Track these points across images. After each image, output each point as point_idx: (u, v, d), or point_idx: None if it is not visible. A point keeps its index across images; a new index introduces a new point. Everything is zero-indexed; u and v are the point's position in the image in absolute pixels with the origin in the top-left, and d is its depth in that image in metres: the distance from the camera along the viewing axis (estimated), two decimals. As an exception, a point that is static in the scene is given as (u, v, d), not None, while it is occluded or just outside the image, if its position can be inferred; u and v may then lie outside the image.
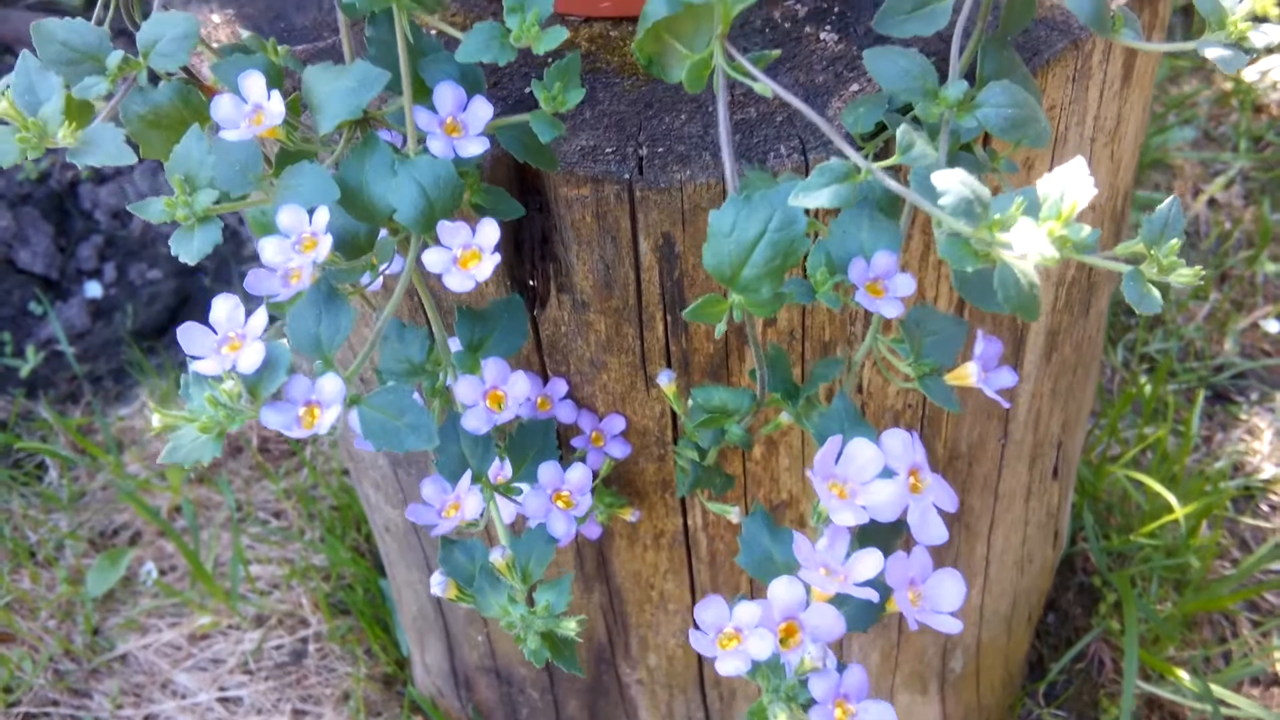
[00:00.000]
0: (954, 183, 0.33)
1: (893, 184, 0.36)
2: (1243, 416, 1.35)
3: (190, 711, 1.14)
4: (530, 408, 0.58)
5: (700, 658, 0.78)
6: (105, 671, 1.18)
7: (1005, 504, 0.76)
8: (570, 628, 0.45)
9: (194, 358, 0.37)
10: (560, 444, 0.58)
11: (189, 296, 1.55)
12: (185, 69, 0.50)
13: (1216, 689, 0.97)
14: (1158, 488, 1.09)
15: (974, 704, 0.93)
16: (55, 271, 1.54)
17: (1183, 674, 1.01)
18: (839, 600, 0.41)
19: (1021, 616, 0.92)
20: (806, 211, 0.41)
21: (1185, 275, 0.41)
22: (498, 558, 0.46)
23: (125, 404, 1.40)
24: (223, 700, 1.15)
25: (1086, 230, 0.32)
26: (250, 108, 0.41)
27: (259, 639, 1.17)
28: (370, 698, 1.11)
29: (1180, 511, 1.08)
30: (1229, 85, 1.69)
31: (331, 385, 0.37)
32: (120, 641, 1.20)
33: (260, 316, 0.38)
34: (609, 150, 0.53)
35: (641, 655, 0.78)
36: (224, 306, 0.38)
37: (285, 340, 0.38)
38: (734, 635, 0.40)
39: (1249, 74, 1.69)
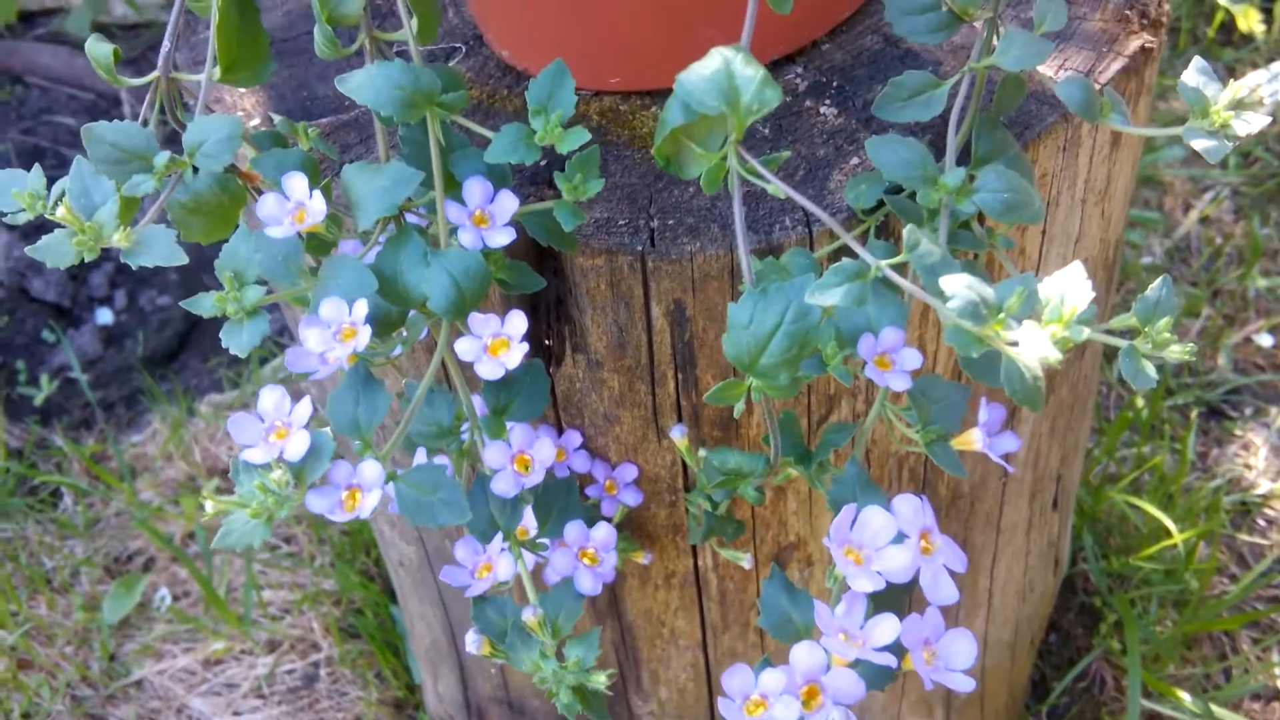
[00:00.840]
0: (960, 286, 0.35)
1: (903, 282, 0.38)
2: (1238, 432, 1.37)
3: (208, 738, 1.16)
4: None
5: (710, 690, 0.80)
6: (121, 697, 1.21)
7: (1007, 537, 0.79)
8: (600, 681, 0.47)
9: (244, 446, 0.39)
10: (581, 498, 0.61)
11: (198, 322, 1.57)
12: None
13: (1218, 710, 0.99)
14: (1156, 513, 1.11)
15: (976, 727, 0.96)
16: (67, 299, 1.56)
17: (1183, 695, 1.03)
18: (857, 662, 0.43)
19: (1024, 642, 0.95)
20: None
21: (1176, 352, 0.43)
22: (529, 617, 0.49)
23: (137, 430, 1.43)
24: (239, 726, 1.17)
25: (1086, 333, 0.35)
26: (293, 205, 0.43)
27: (272, 664, 1.19)
28: (384, 722, 1.14)
29: (1179, 537, 1.10)
30: (1220, 102, 1.72)
31: (371, 471, 0.40)
32: (136, 667, 1.22)
33: (305, 406, 0.40)
34: (622, 222, 0.55)
35: (653, 689, 0.81)
36: (271, 397, 0.40)
37: (328, 429, 0.41)
38: (760, 702, 0.42)
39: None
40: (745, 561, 0.61)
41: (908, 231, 0.38)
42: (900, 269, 0.40)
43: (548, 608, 0.50)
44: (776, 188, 0.41)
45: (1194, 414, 1.28)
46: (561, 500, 0.53)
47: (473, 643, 0.50)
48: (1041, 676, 1.14)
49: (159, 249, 0.40)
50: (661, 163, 0.43)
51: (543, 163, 0.57)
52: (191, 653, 1.23)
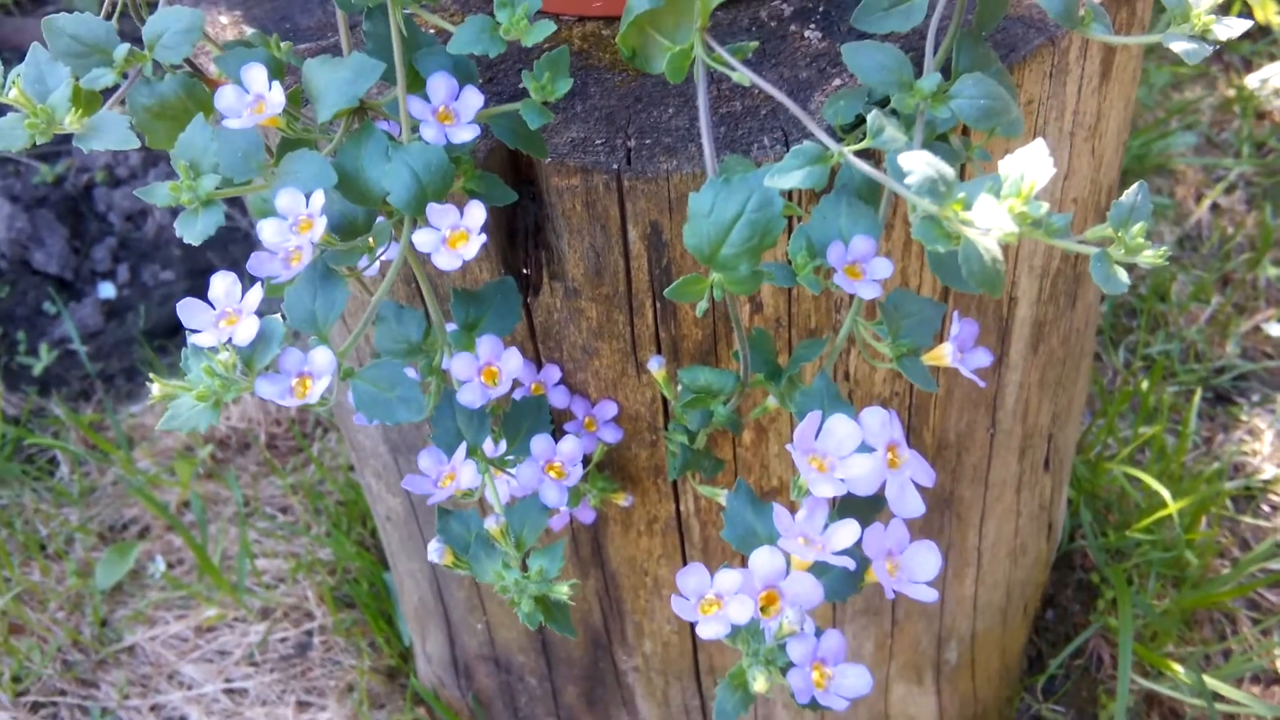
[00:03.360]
0: (919, 164, 0.35)
1: (862, 165, 0.37)
2: (1243, 418, 1.36)
3: (196, 702, 1.16)
4: (524, 393, 0.60)
5: (695, 645, 0.79)
6: (113, 662, 1.20)
7: (996, 493, 0.78)
8: (563, 592, 0.47)
9: (193, 330, 0.39)
10: (555, 431, 0.60)
11: (202, 298, 1.57)
12: (190, 63, 0.51)
13: (1214, 682, 0.98)
14: (1152, 483, 1.10)
15: (970, 695, 0.94)
16: (70, 272, 1.56)
17: (1178, 668, 1.02)
18: (818, 570, 0.42)
19: (1016, 609, 0.93)
20: (788, 197, 0.42)
21: (1149, 256, 0.42)
22: (492, 525, 0.48)
23: (136, 401, 1.42)
24: (229, 691, 1.16)
25: (1045, 207, 0.34)
26: (252, 98, 0.42)
27: (264, 631, 1.19)
28: (374, 690, 1.13)
29: (1174, 506, 1.09)
30: (1231, 92, 1.70)
31: (322, 357, 0.39)
32: (128, 633, 1.22)
33: (256, 293, 0.39)
34: (599, 142, 0.54)
35: (637, 642, 0.80)
36: (222, 283, 0.40)
37: (281, 316, 0.40)
38: (715, 601, 0.41)
39: (1251, 81, 1.70)
40: (723, 498, 0.60)
41: (871, 117, 0.38)
42: (869, 161, 0.39)
43: (512, 519, 0.49)
44: (742, 75, 0.40)
45: (1197, 392, 1.27)
46: (532, 418, 0.53)
47: (435, 551, 0.49)
48: (1038, 653, 1.12)
49: (111, 133, 0.39)
50: (627, 54, 0.42)
51: (521, 86, 0.56)
52: (184, 620, 1.23)
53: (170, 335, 1.51)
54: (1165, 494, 1.09)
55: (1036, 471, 0.81)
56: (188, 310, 0.39)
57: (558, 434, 0.58)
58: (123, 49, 0.42)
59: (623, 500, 0.67)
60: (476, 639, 0.89)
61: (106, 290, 1.56)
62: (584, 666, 0.85)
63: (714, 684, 0.83)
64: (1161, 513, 1.11)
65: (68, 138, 1.43)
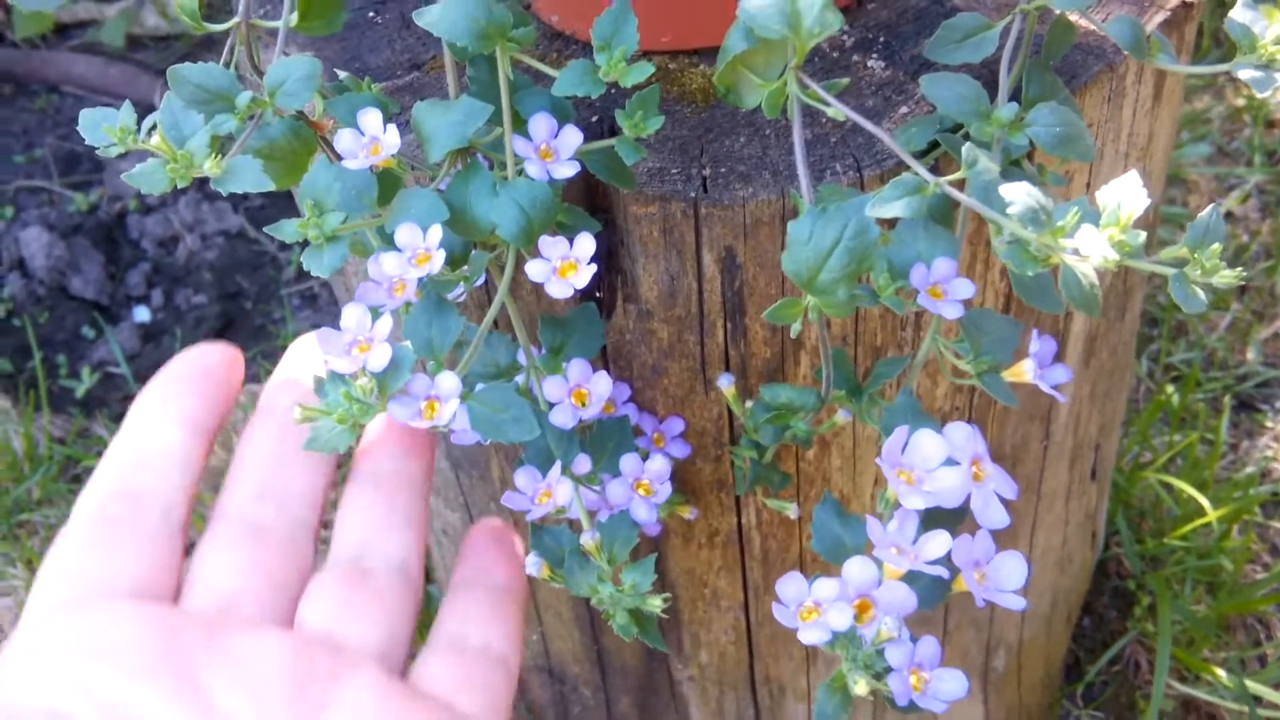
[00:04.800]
0: (1021, 194, 0.37)
1: (959, 195, 0.39)
2: (1268, 424, 1.38)
3: None
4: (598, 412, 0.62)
5: (751, 655, 0.81)
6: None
7: (1047, 504, 0.79)
8: (655, 605, 0.49)
9: (329, 358, 0.41)
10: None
11: (232, 320, 1.60)
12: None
13: (1253, 685, 1.00)
14: (1189, 490, 1.12)
15: (1015, 703, 0.96)
16: (106, 298, 1.59)
17: (1220, 671, 1.04)
18: (909, 578, 0.44)
19: (1061, 616, 0.95)
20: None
21: (1227, 276, 0.44)
22: (588, 540, 0.50)
23: (175, 424, 1.44)
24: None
25: (1143, 236, 0.36)
26: (368, 140, 0.45)
27: (312, 649, 1.21)
28: (422, 705, 1.15)
29: (1213, 515, 1.10)
30: (1241, 101, 1.73)
31: (448, 382, 0.41)
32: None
33: (386, 322, 0.42)
34: (675, 171, 0.57)
35: (693, 652, 0.82)
36: (353, 313, 0.42)
37: (408, 343, 0.42)
38: (813, 609, 0.43)
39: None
40: (791, 510, 0.62)
41: (966, 149, 0.40)
42: (957, 189, 0.41)
43: (605, 535, 0.51)
44: (837, 110, 0.42)
45: (1227, 400, 1.29)
46: (617, 437, 0.55)
47: (532, 565, 0.51)
48: (1076, 660, 1.14)
49: (248, 176, 0.42)
50: (721, 91, 0.44)
51: (593, 120, 0.59)
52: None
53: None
54: (1205, 502, 1.11)
55: (1084, 481, 0.83)
56: (325, 339, 0.42)
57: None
58: (245, 96, 0.45)
59: (688, 513, 0.69)
60: (530, 650, 0.91)
61: (142, 314, 1.58)
62: (639, 677, 0.86)
63: (768, 694, 0.84)
64: (1199, 521, 1.12)
65: (99, 167, 1.45)
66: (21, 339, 1.53)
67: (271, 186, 0.42)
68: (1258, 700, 1.01)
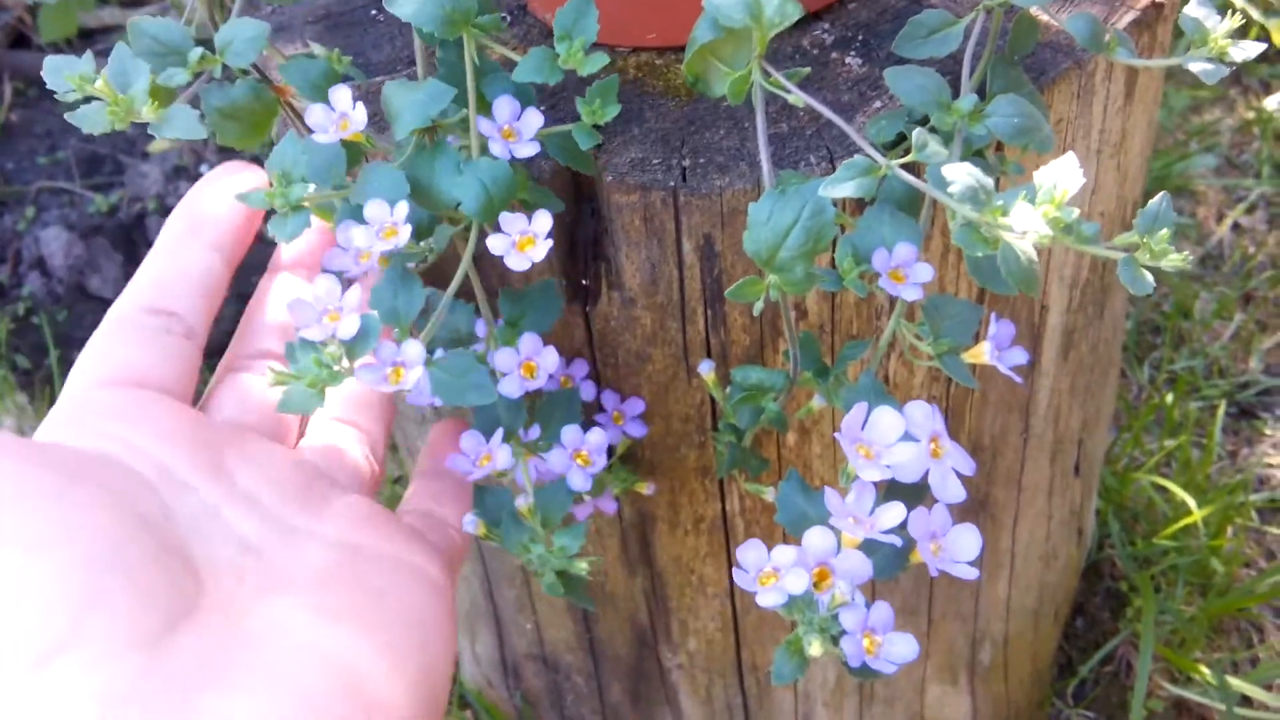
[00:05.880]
0: (961, 174, 0.39)
1: (908, 176, 0.41)
2: (1268, 432, 1.38)
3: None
4: (554, 384, 0.64)
5: (738, 643, 0.83)
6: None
7: (1029, 497, 0.81)
8: (581, 568, 0.52)
9: (301, 326, 0.43)
10: (586, 423, 0.64)
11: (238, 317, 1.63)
12: (259, 71, 0.57)
13: (1239, 683, 1.00)
14: (1179, 491, 1.13)
15: (1003, 697, 0.97)
16: (123, 294, 1.62)
17: (1205, 670, 1.05)
18: (866, 549, 0.46)
19: (1048, 613, 0.96)
20: (837, 207, 0.47)
21: (1174, 259, 0.46)
22: (522, 504, 0.54)
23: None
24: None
25: (1076, 212, 0.38)
26: (338, 115, 0.47)
27: (316, 639, 1.23)
28: (422, 695, 1.17)
29: (1200, 513, 1.11)
30: (1250, 114, 1.74)
31: (414, 350, 0.44)
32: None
33: (355, 292, 0.44)
34: (655, 161, 0.59)
35: (682, 639, 0.83)
36: (324, 283, 0.44)
37: (375, 313, 0.45)
38: (772, 574, 0.45)
39: (1270, 103, 1.74)
40: (769, 494, 0.64)
41: (916, 134, 0.42)
42: (912, 173, 0.43)
43: (540, 500, 0.54)
44: (797, 97, 0.44)
45: (1221, 405, 1.30)
46: (564, 410, 0.57)
47: (470, 523, 0.55)
48: (1067, 660, 1.15)
49: (182, 124, 0.45)
50: (690, 79, 0.46)
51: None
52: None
53: (218, 353, 1.56)
54: (1190, 501, 1.12)
55: (1067, 476, 0.85)
56: (298, 308, 0.44)
57: (588, 425, 0.62)
58: (196, 52, 0.48)
59: (646, 489, 0.70)
60: (525, 638, 0.93)
61: (157, 312, 1.61)
62: (630, 664, 0.88)
63: (755, 682, 0.86)
64: (1187, 519, 1.13)
65: (120, 169, 1.48)
66: (39, 337, 1.57)
67: (203, 135, 0.46)
68: (1247, 701, 1.02)
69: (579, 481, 0.55)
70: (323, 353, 0.42)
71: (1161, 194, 0.48)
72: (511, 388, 0.53)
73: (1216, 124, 1.73)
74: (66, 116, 0.45)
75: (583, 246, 0.63)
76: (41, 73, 0.47)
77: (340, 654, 0.42)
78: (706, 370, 0.63)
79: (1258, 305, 1.51)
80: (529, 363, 0.54)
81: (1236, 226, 1.63)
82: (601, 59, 0.50)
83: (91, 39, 2.04)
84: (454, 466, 0.54)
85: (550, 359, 0.54)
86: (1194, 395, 1.39)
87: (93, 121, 0.45)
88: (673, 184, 0.58)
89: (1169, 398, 1.32)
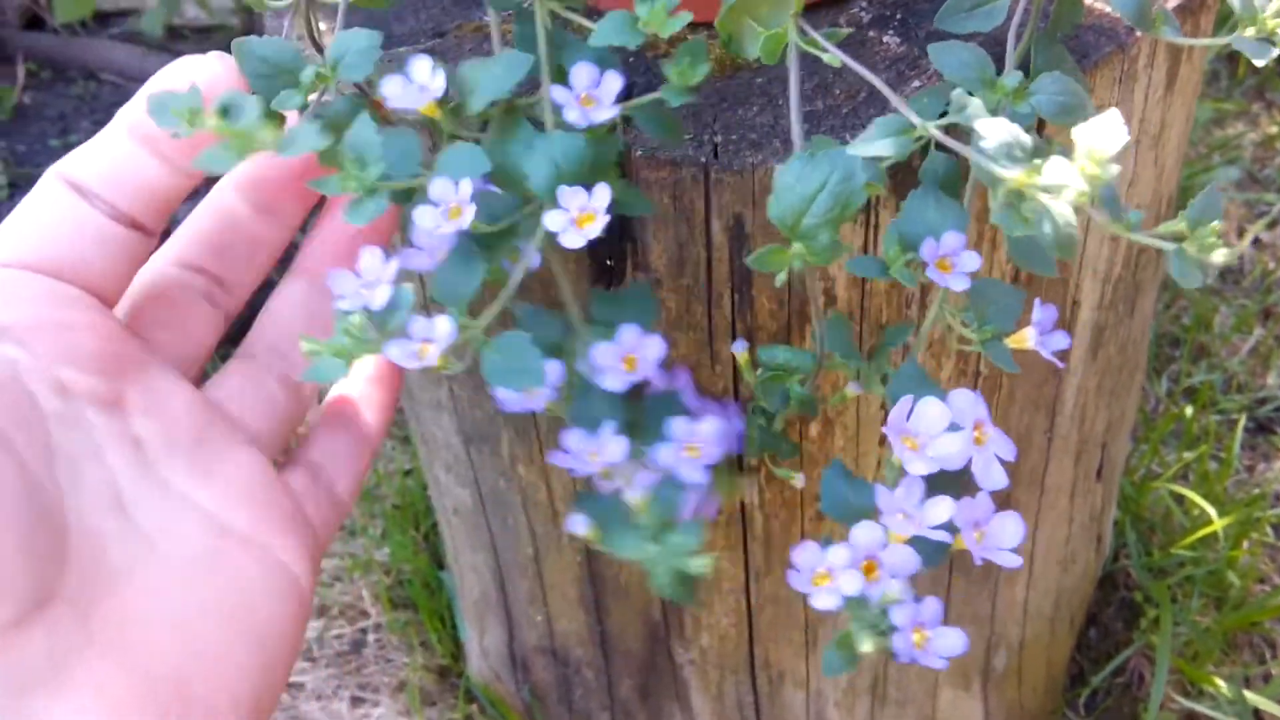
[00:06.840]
0: (998, 129, 0.37)
1: (942, 136, 0.40)
2: (1286, 447, 1.37)
3: (252, 695, 1.18)
4: (660, 377, 0.61)
5: (751, 639, 0.81)
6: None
7: (1051, 498, 0.79)
8: (699, 566, 0.49)
9: (339, 297, 0.42)
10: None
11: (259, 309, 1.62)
12: (357, 85, 0.55)
13: (1256, 699, 0.99)
14: (1198, 500, 1.11)
15: (1016, 704, 0.96)
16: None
17: (1220, 683, 1.03)
18: (912, 541, 0.45)
19: (1064, 618, 0.95)
20: (877, 169, 0.45)
21: (1223, 254, 0.45)
22: (633, 497, 0.50)
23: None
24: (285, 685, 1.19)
25: (1117, 169, 0.36)
26: (417, 87, 0.46)
27: (321, 628, 1.22)
28: (425, 687, 1.15)
29: (1219, 523, 1.10)
30: (1273, 129, 1.73)
31: (443, 326, 0.42)
32: (185, 628, 1.25)
33: (393, 265, 0.43)
34: (687, 137, 0.58)
35: (695, 635, 0.82)
36: (370, 257, 0.43)
37: (410, 285, 0.43)
38: (826, 575, 0.44)
39: (1294, 117, 1.72)
40: (798, 480, 0.63)
41: (955, 95, 0.40)
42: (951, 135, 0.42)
43: (652, 496, 0.51)
44: (833, 56, 0.43)
45: (1240, 419, 1.28)
46: (670, 405, 0.55)
47: (579, 523, 0.52)
48: (1080, 671, 1.13)
49: (306, 141, 0.43)
50: (724, 39, 0.45)
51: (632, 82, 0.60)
52: (238, 617, 1.26)
53: (234, 343, 1.55)
54: (1210, 510, 1.10)
55: (1089, 480, 0.83)
56: (338, 280, 0.43)
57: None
58: (310, 71, 0.45)
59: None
60: (536, 631, 0.91)
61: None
62: (641, 659, 0.87)
63: (767, 679, 0.85)
64: (1205, 529, 1.12)
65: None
66: (50, 317, 1.56)
67: (329, 143, 0.43)
68: (1259, 716, 1.01)
69: (692, 474, 0.52)
70: (350, 323, 0.41)
71: (1210, 185, 0.46)
72: (614, 383, 0.50)
73: (1239, 138, 1.72)
74: (193, 164, 0.42)
75: (609, 226, 0.62)
76: (107, 68, 0.44)
77: (176, 669, 0.39)
78: (740, 349, 0.62)
79: (1277, 320, 1.50)
80: (630, 356, 0.51)
81: (1257, 241, 1.61)
82: (685, 17, 0.48)
83: (107, 22, 2.04)
84: (558, 463, 0.51)
85: (654, 349, 0.51)
86: (1212, 409, 1.37)
87: (219, 161, 0.43)
88: (704, 160, 0.57)
89: (1188, 410, 1.31)
